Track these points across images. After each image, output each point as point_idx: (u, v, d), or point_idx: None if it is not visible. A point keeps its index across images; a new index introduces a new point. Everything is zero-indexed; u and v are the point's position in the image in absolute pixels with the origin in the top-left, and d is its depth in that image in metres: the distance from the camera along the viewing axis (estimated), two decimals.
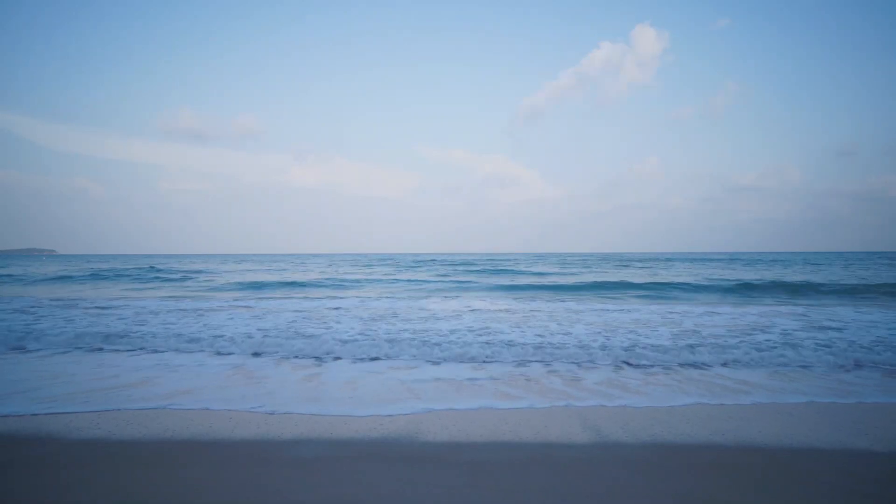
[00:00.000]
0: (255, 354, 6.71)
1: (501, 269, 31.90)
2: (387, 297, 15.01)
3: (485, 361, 6.28)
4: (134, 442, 3.59)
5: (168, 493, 2.76)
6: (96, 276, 26.52)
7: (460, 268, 34.75)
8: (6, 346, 7.07)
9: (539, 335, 7.73)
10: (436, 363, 6.21)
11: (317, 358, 6.49)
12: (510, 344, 7.02)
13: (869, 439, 3.66)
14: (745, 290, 17.19)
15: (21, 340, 7.37)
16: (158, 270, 31.99)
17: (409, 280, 24.05)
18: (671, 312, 10.73)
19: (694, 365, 6.10)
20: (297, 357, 6.55)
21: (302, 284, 21.65)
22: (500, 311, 11.28)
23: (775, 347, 6.81)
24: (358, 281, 23.76)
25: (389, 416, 4.21)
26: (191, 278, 25.78)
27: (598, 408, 4.43)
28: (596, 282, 20.89)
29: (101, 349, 6.99)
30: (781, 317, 10.06)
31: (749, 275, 25.22)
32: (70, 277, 25.61)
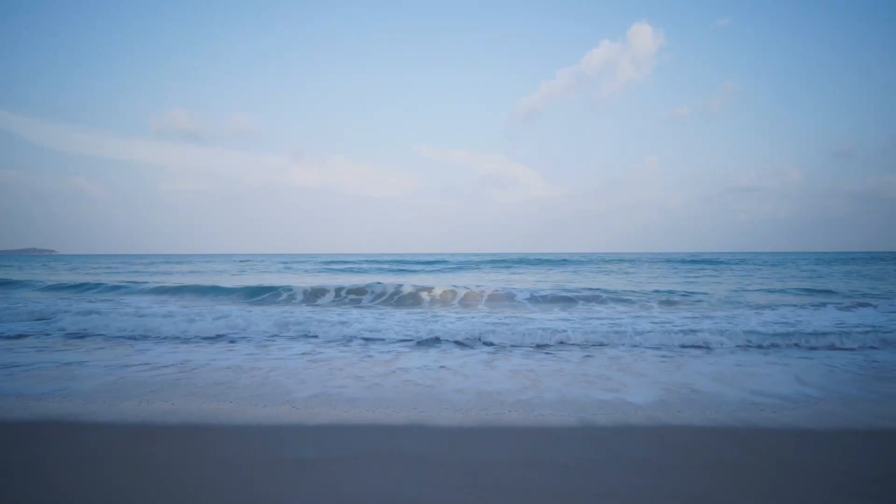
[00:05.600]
0: None
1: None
2: None
3: None
4: (131, 442, 3.60)
5: (168, 494, 2.77)
6: None
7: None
8: None
9: None
10: None
11: None
12: None
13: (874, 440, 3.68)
14: None
15: None
16: None
17: None
18: None
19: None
20: None
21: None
22: None
23: None
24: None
25: (389, 415, 4.22)
26: None
27: (598, 407, 4.43)
28: None
29: None
30: None
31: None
32: None
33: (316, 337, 8.02)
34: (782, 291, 16.03)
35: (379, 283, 15.66)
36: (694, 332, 7.92)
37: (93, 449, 3.45)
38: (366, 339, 7.83)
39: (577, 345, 7.41)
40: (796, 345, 7.39)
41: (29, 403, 4.49)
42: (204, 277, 23.99)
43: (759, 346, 7.32)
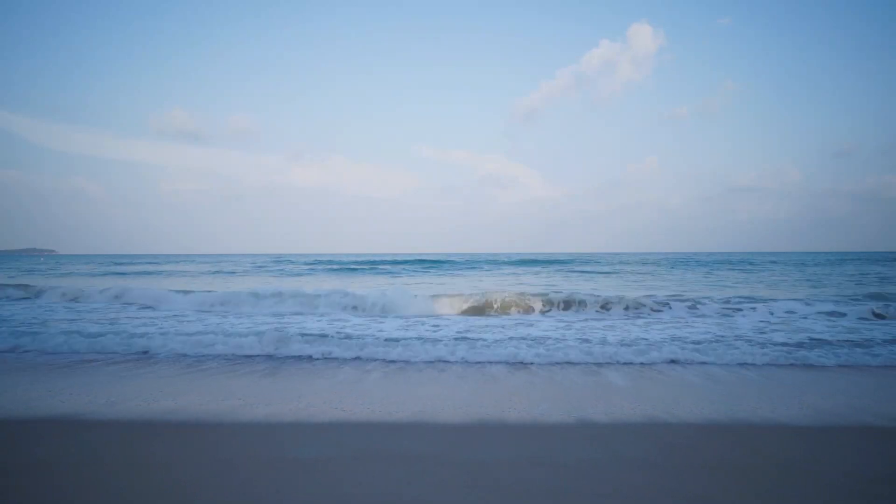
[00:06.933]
0: None
1: None
2: None
3: None
4: (132, 441, 3.60)
5: (168, 494, 2.77)
6: None
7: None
8: None
9: None
10: None
11: None
12: None
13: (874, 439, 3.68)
14: None
15: None
16: None
17: None
18: None
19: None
20: None
21: None
22: None
23: None
24: None
25: (389, 414, 4.22)
26: None
27: (597, 407, 4.43)
28: None
29: None
30: None
31: None
32: None
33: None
34: None
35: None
36: None
37: (93, 448, 3.45)
38: None
39: None
40: None
41: (30, 402, 4.49)
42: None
43: None
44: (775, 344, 7.31)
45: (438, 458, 3.27)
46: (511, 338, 7.82)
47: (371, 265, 36.89)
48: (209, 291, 13.90)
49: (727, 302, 12.07)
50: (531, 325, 9.48)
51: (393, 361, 6.43)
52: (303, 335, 7.63)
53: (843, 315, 10.42)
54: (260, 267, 36.55)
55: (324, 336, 7.77)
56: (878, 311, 10.58)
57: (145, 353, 6.83)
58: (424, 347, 6.96)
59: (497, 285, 19.48)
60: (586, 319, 10.42)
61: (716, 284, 20.24)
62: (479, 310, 11.73)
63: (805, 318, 10.20)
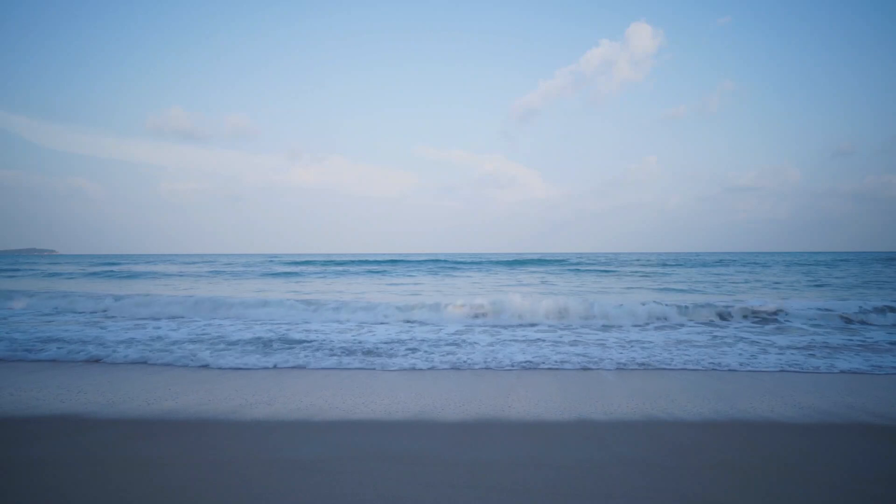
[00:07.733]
0: None
1: None
2: None
3: None
4: (132, 441, 3.60)
5: (168, 493, 2.77)
6: None
7: None
8: None
9: None
10: None
11: None
12: None
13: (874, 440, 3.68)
14: None
15: None
16: None
17: None
18: None
19: None
20: None
21: None
22: None
23: None
24: None
25: (389, 414, 4.22)
26: None
27: (597, 407, 4.43)
28: None
29: None
30: None
31: None
32: None
33: None
34: None
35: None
36: None
37: (93, 448, 3.45)
38: None
39: None
40: None
41: (30, 402, 4.49)
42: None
43: None
44: None
45: (438, 458, 3.27)
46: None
47: (369, 265, 36.89)
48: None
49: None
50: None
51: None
52: None
53: None
54: (250, 267, 36.28)
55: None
56: None
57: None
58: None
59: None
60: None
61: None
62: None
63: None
